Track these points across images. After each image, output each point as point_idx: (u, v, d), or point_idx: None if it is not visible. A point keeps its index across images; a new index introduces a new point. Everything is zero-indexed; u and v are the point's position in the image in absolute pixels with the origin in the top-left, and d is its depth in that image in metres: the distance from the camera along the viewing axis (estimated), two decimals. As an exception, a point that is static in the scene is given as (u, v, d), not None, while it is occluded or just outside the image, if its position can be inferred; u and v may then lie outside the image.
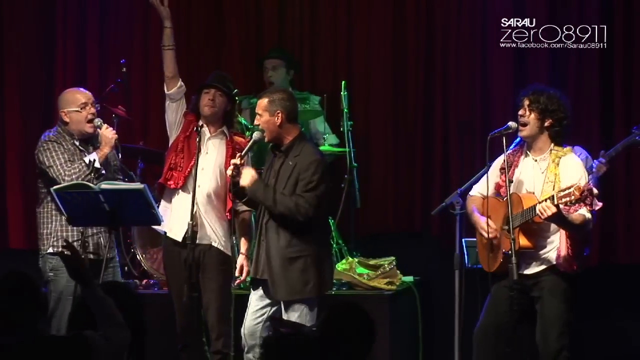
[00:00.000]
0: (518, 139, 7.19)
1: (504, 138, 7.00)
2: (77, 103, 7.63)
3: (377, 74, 9.70)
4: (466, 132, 9.49)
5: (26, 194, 9.76)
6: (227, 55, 9.86)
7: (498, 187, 7.04)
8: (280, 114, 7.11)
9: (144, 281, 8.92)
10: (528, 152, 7.01)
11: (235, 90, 7.90)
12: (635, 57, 9.39)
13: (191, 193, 7.37)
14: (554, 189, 6.77)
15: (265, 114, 7.14)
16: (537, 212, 6.66)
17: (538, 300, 6.91)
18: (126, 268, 9.05)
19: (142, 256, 8.95)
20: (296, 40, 9.84)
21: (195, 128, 7.44)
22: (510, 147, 7.15)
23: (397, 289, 8.75)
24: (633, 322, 9.24)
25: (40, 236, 7.68)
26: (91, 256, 7.56)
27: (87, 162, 7.50)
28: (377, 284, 8.71)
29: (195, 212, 7.33)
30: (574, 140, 8.13)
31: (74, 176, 7.43)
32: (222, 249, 7.44)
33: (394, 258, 8.87)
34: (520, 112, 6.98)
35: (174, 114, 7.64)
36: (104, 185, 7.25)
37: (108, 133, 7.59)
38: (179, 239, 7.42)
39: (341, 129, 9.14)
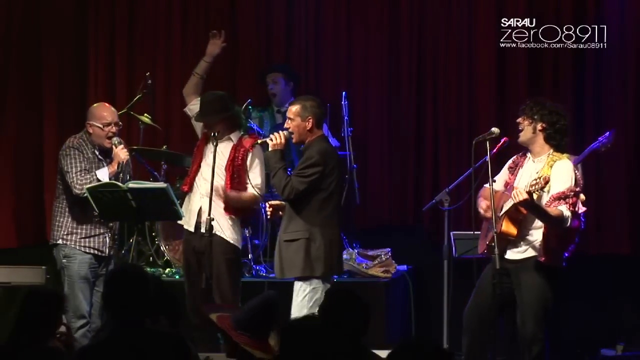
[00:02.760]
0: None
1: (488, 142, 6.99)
2: (102, 120, 7.70)
3: (374, 85, 9.72)
4: (454, 137, 9.50)
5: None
6: (241, 73, 9.88)
7: (506, 184, 7.03)
8: (311, 120, 7.14)
9: (167, 270, 8.94)
10: (529, 154, 6.99)
11: (249, 100, 7.93)
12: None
13: (199, 192, 7.45)
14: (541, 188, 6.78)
15: (297, 118, 7.16)
16: (512, 196, 6.66)
17: (518, 286, 6.87)
18: (151, 258, 9.09)
19: (165, 247, 8.97)
20: (302, 56, 9.85)
21: (211, 136, 7.51)
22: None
23: (392, 276, 8.77)
24: (602, 306, 9.24)
25: (53, 227, 7.80)
26: (97, 252, 7.64)
27: (97, 177, 7.53)
28: (374, 272, 8.74)
29: (201, 208, 7.40)
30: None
31: (84, 185, 7.46)
32: (225, 238, 7.45)
33: (389, 249, 8.89)
34: (518, 120, 6.97)
35: (197, 128, 7.73)
36: (132, 185, 7.29)
37: (121, 153, 7.61)
38: (191, 229, 7.49)
39: (342, 134, 9.16)
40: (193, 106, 7.75)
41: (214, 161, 7.39)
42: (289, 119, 7.21)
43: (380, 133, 9.68)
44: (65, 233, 7.66)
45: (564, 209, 6.65)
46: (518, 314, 6.89)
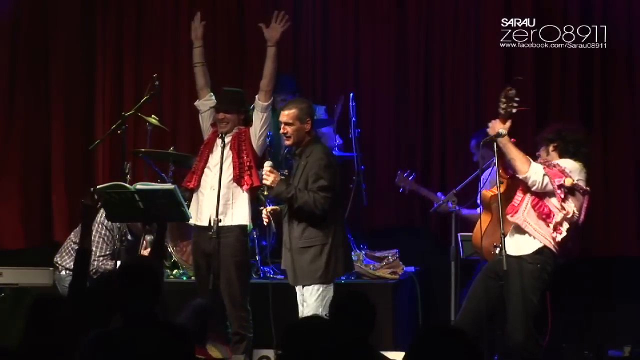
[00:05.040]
0: None
1: (495, 143, 6.99)
2: None
3: (382, 86, 9.71)
4: (461, 138, 9.48)
5: (68, 192, 9.85)
6: (248, 74, 9.87)
7: None
8: (309, 122, 7.17)
9: (174, 271, 8.93)
10: None
11: (252, 106, 7.95)
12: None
13: (208, 186, 7.46)
14: None
15: (296, 122, 7.15)
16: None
17: (507, 292, 6.78)
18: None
19: (173, 249, 8.95)
20: (309, 57, 9.85)
21: (219, 135, 7.55)
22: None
23: (399, 278, 8.75)
24: (610, 308, 9.23)
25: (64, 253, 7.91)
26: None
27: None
28: (382, 273, 8.72)
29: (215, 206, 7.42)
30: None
31: (102, 271, 7.58)
32: (234, 240, 7.46)
33: (396, 250, 8.88)
34: (538, 153, 7.02)
35: (204, 123, 7.75)
36: (139, 186, 7.26)
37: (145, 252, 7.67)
38: (205, 223, 7.52)
39: (349, 135, 9.15)
40: (206, 101, 7.76)
41: (222, 160, 7.43)
42: (287, 123, 7.18)
43: (387, 134, 9.68)
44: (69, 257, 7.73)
45: (538, 165, 6.73)
46: (507, 321, 6.83)
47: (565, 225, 6.79)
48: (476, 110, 9.53)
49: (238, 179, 7.51)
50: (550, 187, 6.71)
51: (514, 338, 6.74)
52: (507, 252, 6.74)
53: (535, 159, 6.88)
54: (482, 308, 6.87)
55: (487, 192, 7.07)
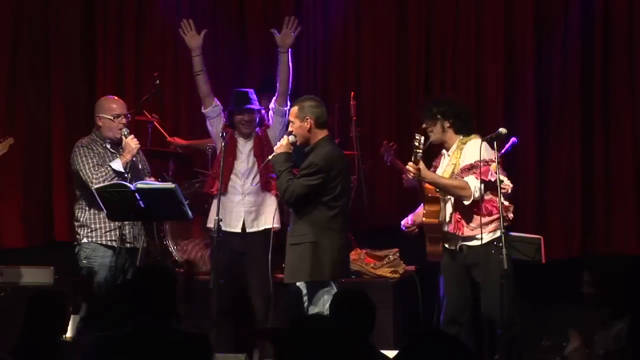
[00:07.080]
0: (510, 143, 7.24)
1: (495, 142, 7.01)
2: (111, 112, 7.71)
3: (382, 85, 9.72)
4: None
5: (70, 192, 9.83)
6: (249, 74, 9.88)
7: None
8: (309, 120, 7.12)
9: (175, 270, 8.94)
10: (443, 151, 7.28)
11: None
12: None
13: (240, 192, 7.49)
14: (453, 170, 7.02)
15: (296, 120, 7.14)
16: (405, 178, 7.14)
17: (482, 277, 7.10)
18: (159, 258, 9.09)
19: (173, 247, 8.98)
20: (311, 56, 9.86)
21: (225, 134, 7.57)
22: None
23: (400, 277, 8.76)
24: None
25: (76, 227, 7.77)
26: (128, 245, 7.62)
27: (112, 167, 7.54)
28: (382, 272, 8.73)
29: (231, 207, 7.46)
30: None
31: (100, 179, 7.48)
32: (263, 238, 7.53)
33: (397, 249, 8.88)
34: (423, 127, 7.17)
35: (214, 129, 7.77)
36: (140, 185, 7.30)
37: (132, 142, 7.63)
38: (238, 230, 7.61)
39: (350, 134, 9.16)
40: (215, 107, 7.80)
41: (222, 159, 7.46)
42: (290, 121, 7.21)
43: (388, 133, 9.67)
44: (89, 230, 7.66)
45: (471, 179, 6.90)
46: (486, 303, 7.02)
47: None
48: (477, 108, 9.53)
49: (266, 185, 7.58)
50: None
51: (495, 317, 6.91)
52: (475, 243, 6.99)
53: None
54: (461, 303, 6.98)
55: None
